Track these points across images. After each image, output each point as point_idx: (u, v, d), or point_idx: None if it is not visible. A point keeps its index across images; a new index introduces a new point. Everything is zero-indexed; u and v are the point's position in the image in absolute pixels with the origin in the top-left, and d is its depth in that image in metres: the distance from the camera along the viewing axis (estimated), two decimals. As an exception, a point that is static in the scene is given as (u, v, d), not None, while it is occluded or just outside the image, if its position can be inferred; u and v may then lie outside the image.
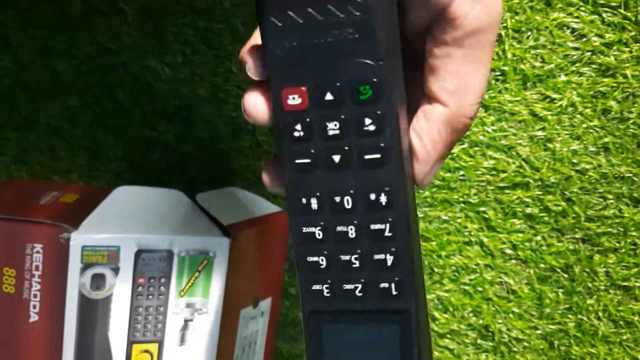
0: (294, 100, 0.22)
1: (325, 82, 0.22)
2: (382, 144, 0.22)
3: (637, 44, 0.42)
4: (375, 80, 0.22)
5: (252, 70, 0.23)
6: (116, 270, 0.35)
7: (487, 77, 0.23)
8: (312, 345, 0.24)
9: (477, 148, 0.44)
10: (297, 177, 0.23)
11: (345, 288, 0.24)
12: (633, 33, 0.41)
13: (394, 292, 0.23)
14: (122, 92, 0.44)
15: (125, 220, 0.37)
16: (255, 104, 0.24)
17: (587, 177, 0.44)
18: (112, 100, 0.44)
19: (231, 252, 0.37)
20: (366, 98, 0.22)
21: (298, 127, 0.22)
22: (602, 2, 0.41)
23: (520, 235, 0.46)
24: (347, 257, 0.23)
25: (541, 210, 0.45)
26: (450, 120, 0.23)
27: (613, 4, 0.41)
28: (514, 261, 0.47)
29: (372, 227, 0.23)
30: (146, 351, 0.37)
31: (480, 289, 0.47)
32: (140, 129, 0.45)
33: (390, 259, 0.23)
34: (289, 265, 0.47)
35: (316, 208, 0.23)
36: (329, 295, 0.24)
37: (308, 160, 0.23)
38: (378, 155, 0.22)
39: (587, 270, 0.46)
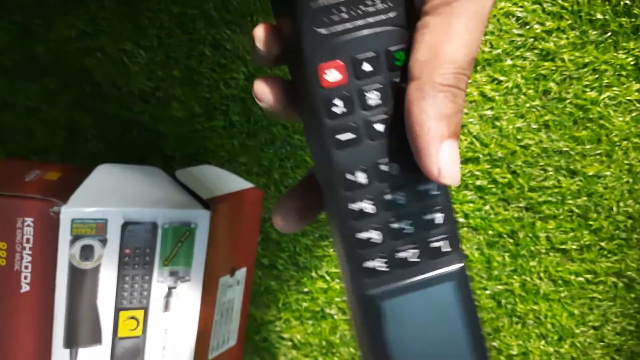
0: (332, 75, 0.22)
1: (361, 53, 0.22)
2: None
3: (573, 31, 0.46)
4: (406, 45, 0.22)
5: (262, 43, 0.23)
6: (104, 242, 0.38)
7: (468, 48, 0.21)
8: (370, 325, 0.23)
9: (432, 126, 0.48)
10: (341, 154, 0.23)
11: (398, 257, 0.23)
12: (570, 21, 0.46)
13: (447, 249, 0.23)
14: (99, 75, 0.45)
15: (111, 194, 0.39)
16: (265, 90, 0.24)
17: (530, 151, 0.49)
18: (89, 83, 0.45)
19: (211, 224, 0.40)
20: (402, 63, 0.22)
21: (338, 102, 0.22)
22: (542, -7, 0.45)
23: (471, 205, 0.50)
24: (398, 225, 0.23)
25: (489, 182, 0.50)
26: (423, 93, 0.21)
27: (552, -5, 0.45)
28: (465, 229, 0.51)
29: (420, 187, 0.23)
30: (132, 317, 0.39)
31: (436, 255, 0.51)
32: (118, 110, 0.46)
33: (438, 217, 0.23)
34: (261, 238, 0.50)
35: (364, 182, 0.23)
36: (385, 269, 0.23)
37: (351, 135, 0.23)
38: None
39: (530, 235, 0.51)
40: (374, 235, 0.23)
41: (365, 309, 0.23)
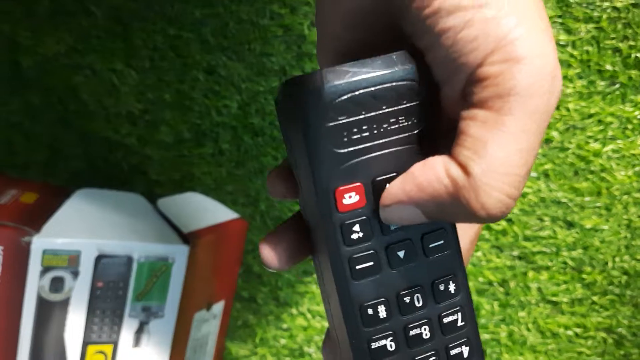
0: (351, 198, 0.20)
1: (380, 174, 0.20)
2: (443, 227, 0.21)
3: (581, 80, 0.44)
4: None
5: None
6: (76, 274, 0.36)
7: (522, 153, 0.18)
8: None
9: (428, 167, 0.47)
10: (359, 285, 0.21)
11: None
12: (578, 70, 0.44)
13: (464, 354, 0.22)
14: (86, 93, 0.44)
15: (87, 224, 0.37)
16: (271, 255, 0.22)
17: (527, 199, 0.47)
18: (75, 101, 0.44)
19: (189, 259, 0.39)
20: None
21: (356, 227, 0.20)
22: (552, 40, 0.43)
23: (463, 250, 0.49)
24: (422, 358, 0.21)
25: (483, 228, 0.48)
26: (472, 191, 0.18)
27: (562, 42, 0.44)
28: (455, 274, 0.50)
29: (446, 320, 0.21)
30: (101, 352, 0.38)
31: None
32: (103, 131, 0.45)
33: (466, 350, 0.22)
34: (242, 270, 0.49)
35: (384, 315, 0.21)
36: None
37: (371, 263, 0.21)
38: (441, 242, 0.21)
39: (521, 285, 0.50)
40: None
41: None
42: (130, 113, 0.44)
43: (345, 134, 0.20)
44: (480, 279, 0.49)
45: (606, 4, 0.42)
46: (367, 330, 0.21)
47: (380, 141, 0.20)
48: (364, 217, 0.20)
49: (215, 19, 0.42)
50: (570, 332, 0.51)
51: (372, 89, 0.19)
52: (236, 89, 0.44)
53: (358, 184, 0.20)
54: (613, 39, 0.43)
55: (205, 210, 0.44)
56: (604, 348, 0.52)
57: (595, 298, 0.50)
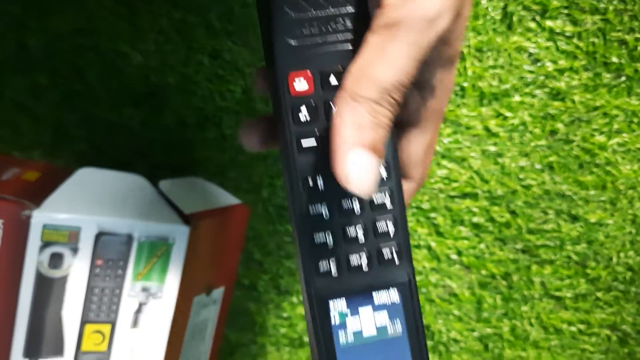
0: (300, 83, 0.24)
1: (329, 67, 0.24)
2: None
3: (586, 73, 0.44)
4: None
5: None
6: (75, 250, 0.36)
7: (395, 73, 0.22)
8: (319, 324, 0.24)
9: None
10: (301, 158, 0.24)
11: (352, 264, 0.25)
12: (584, 62, 0.44)
13: (396, 261, 0.25)
14: (91, 75, 0.44)
15: (88, 201, 0.37)
16: (248, 137, 0.27)
17: (531, 192, 0.47)
18: (80, 82, 0.44)
19: (190, 240, 0.38)
20: None
21: (304, 109, 0.24)
22: (558, 30, 0.43)
23: (466, 242, 0.48)
24: (352, 231, 0.24)
25: (487, 220, 0.48)
26: (346, 101, 0.22)
27: (568, 33, 0.43)
28: (458, 266, 0.49)
29: (375, 200, 0.25)
30: (98, 331, 0.38)
31: (424, 290, 0.49)
32: (107, 113, 0.45)
33: (392, 228, 0.25)
34: (243, 257, 0.49)
35: (322, 187, 0.24)
36: (336, 274, 0.24)
37: (313, 142, 0.24)
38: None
39: (524, 279, 0.49)
40: (328, 240, 0.24)
41: (316, 306, 0.24)
42: (133, 95, 0.44)
43: (300, 28, 0.23)
44: (483, 272, 0.49)
45: (612, -7, 0.42)
46: (307, 199, 0.24)
47: (327, 38, 0.24)
48: (311, 102, 0.24)
49: (221, 3, 0.42)
50: (573, 328, 0.50)
51: None
52: (240, 73, 0.44)
53: (307, 71, 0.24)
54: (619, 31, 0.43)
55: (208, 194, 0.44)
56: (607, 345, 0.51)
57: (599, 294, 0.49)
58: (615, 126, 0.45)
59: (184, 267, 0.39)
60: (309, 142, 0.24)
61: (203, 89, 0.44)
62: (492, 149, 0.46)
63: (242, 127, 0.28)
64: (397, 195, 0.25)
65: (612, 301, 0.50)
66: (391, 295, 0.25)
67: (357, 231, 0.25)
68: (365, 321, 0.25)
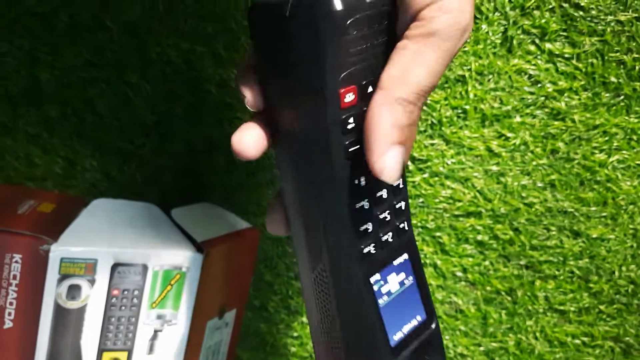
0: (349, 98, 0.25)
1: (366, 79, 0.26)
2: None
3: (585, 92, 0.45)
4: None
5: (251, 102, 0.28)
6: (92, 282, 0.37)
7: (431, 77, 0.25)
8: (368, 302, 0.28)
9: (436, 178, 0.48)
10: (349, 163, 0.26)
11: (384, 242, 0.29)
12: (583, 82, 0.45)
13: (406, 227, 0.30)
14: (102, 106, 0.45)
15: (103, 233, 0.38)
16: (248, 142, 0.28)
17: (533, 209, 0.48)
18: (91, 113, 0.45)
19: (203, 267, 0.39)
20: None
21: (351, 120, 0.26)
22: (557, 52, 0.44)
23: (471, 259, 0.49)
24: (386, 215, 0.29)
25: (491, 238, 0.49)
26: (386, 102, 0.24)
27: (567, 55, 0.44)
28: (463, 283, 0.50)
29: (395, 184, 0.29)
30: (116, 359, 0.39)
31: (431, 307, 0.50)
32: (118, 142, 0.46)
33: (404, 204, 0.29)
34: (254, 278, 0.49)
35: (364, 184, 0.27)
36: (374, 252, 0.29)
37: (357, 146, 0.26)
38: None
39: (529, 294, 0.50)
40: (368, 226, 0.28)
41: (363, 288, 0.28)
42: (143, 124, 0.45)
43: (350, 46, 0.25)
44: (488, 288, 0.50)
45: (610, 17, 0.43)
46: (354, 198, 0.27)
47: (368, 53, 0.25)
48: (357, 112, 0.26)
49: (227, 33, 0.43)
50: (577, 341, 0.51)
51: (369, 12, 0.25)
52: (248, 101, 0.45)
53: (354, 86, 0.25)
54: (617, 51, 0.44)
55: (219, 220, 0.45)
56: (611, 357, 0.52)
57: (602, 307, 0.50)
58: (615, 144, 0.46)
59: (198, 293, 0.40)
60: (353, 148, 0.26)
61: (211, 117, 0.45)
62: (495, 168, 0.47)
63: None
64: (404, 174, 0.29)
65: (615, 314, 0.51)
66: (403, 256, 0.30)
67: (387, 215, 0.29)
68: (392, 282, 0.29)
